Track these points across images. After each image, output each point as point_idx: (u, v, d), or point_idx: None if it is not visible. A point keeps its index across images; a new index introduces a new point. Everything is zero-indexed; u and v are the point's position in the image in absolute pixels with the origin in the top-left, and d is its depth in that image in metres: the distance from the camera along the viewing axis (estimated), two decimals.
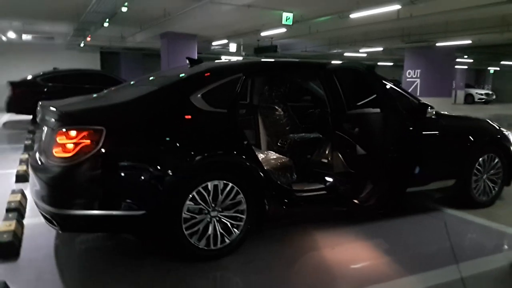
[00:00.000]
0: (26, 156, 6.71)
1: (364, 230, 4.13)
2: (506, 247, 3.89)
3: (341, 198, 4.04)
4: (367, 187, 3.94)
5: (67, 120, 3.13)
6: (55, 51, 22.53)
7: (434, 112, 4.43)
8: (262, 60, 4.78)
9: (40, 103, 3.70)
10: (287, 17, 12.59)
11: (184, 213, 3.21)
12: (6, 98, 11.95)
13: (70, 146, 2.99)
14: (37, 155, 3.49)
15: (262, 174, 3.57)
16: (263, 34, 16.47)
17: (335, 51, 22.44)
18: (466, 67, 30.80)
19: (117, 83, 7.79)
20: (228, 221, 3.42)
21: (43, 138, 3.51)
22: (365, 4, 11.14)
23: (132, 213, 3.11)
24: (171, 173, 3.16)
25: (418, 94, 18.48)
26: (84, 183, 3.03)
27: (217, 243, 3.37)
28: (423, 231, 4.24)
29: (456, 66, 26.13)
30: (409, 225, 4.39)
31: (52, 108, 3.33)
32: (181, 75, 3.93)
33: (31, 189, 3.50)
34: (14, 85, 11.98)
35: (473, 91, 31.13)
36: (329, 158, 4.35)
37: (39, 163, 3.32)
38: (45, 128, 3.51)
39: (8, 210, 4.14)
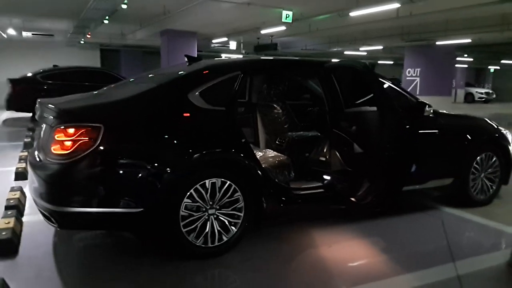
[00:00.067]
0: (25, 153, 6.72)
1: (361, 228, 4.14)
2: (503, 245, 3.90)
3: (339, 196, 4.06)
4: (364, 185, 3.95)
5: (65, 118, 3.14)
6: (55, 48, 22.55)
7: (432, 111, 4.45)
8: (260, 58, 4.79)
9: (39, 100, 3.71)
10: (286, 15, 12.60)
11: (182, 210, 3.23)
12: (6, 95, 11.96)
13: (68, 143, 3.00)
14: (36, 152, 3.50)
15: (259, 172, 3.58)
16: (263, 32, 16.49)
17: (335, 49, 22.44)
18: (466, 66, 30.78)
19: (117, 81, 7.77)
20: (225, 219, 3.44)
21: (42, 136, 3.52)
22: (365, 2, 11.16)
23: (130, 210, 3.12)
24: (168, 171, 3.17)
25: (417, 92, 18.52)
26: (82, 180, 3.04)
27: (215, 241, 3.39)
28: (420, 230, 4.25)
29: (456, 65, 26.12)
30: (406, 223, 4.41)
31: (50, 106, 3.34)
32: (179, 73, 3.93)
33: (29, 186, 3.51)
34: (14, 82, 11.98)
35: (473, 90, 31.11)
36: (327, 156, 4.37)
37: (38, 160, 3.33)
38: (43, 126, 3.52)
39: (7, 208, 4.15)
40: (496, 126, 5.12)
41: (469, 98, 30.32)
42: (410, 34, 16.85)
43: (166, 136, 3.29)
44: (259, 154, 4.40)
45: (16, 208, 4.18)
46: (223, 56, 24.08)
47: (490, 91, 31.33)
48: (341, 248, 3.75)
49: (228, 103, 3.61)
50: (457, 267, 3.35)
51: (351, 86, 4.20)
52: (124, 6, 12.15)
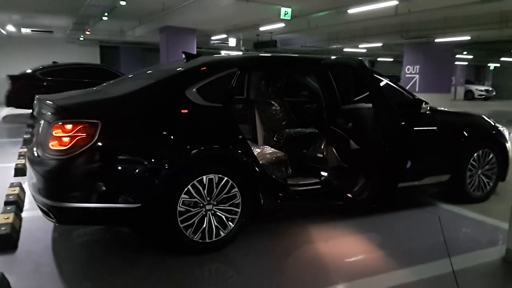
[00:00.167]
0: (25, 150, 6.73)
1: (358, 224, 4.17)
2: (499, 241, 3.92)
3: (335, 192, 4.09)
4: (360, 181, 3.97)
5: (63, 114, 3.16)
6: (55, 45, 22.55)
7: (428, 108, 4.47)
8: (258, 55, 4.80)
9: (37, 96, 3.73)
10: (285, 11, 12.59)
11: (180, 206, 3.25)
12: (6, 92, 11.98)
13: (66, 139, 3.02)
14: (34, 148, 3.52)
15: (257, 169, 3.61)
16: (262, 29, 16.47)
17: (334, 46, 22.41)
18: (466, 63, 30.77)
19: (117, 77, 7.80)
20: (223, 215, 3.46)
21: (40, 132, 3.54)
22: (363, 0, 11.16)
23: (127, 206, 3.14)
24: (166, 167, 3.20)
25: (417, 90, 18.50)
26: (80, 176, 3.06)
27: (212, 236, 3.42)
28: (417, 226, 4.28)
29: (456, 62, 26.15)
30: (403, 219, 4.44)
31: (48, 102, 3.36)
32: (176, 70, 3.95)
33: (28, 182, 3.53)
34: (13, 79, 11.99)
35: (473, 87, 31.12)
36: (324, 153, 4.39)
37: (36, 156, 3.35)
38: (41, 122, 3.54)
39: (6, 203, 4.18)
40: (493, 123, 5.14)
41: (469, 96, 30.33)
42: (409, 32, 16.83)
43: (163, 132, 3.31)
44: (257, 150, 4.42)
45: (16, 203, 4.21)
46: (223, 53, 24.07)
47: (490, 89, 31.33)
48: (337, 244, 3.78)
49: (225, 100, 3.63)
50: (453, 262, 3.37)
51: (348, 83, 4.21)
52: (122, 3, 12.14)
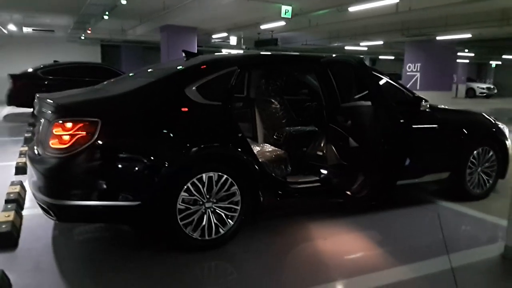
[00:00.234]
0: (26, 148, 6.75)
1: (358, 221, 4.18)
2: (498, 238, 3.92)
3: (334, 190, 4.10)
4: (359, 179, 3.98)
5: (63, 112, 3.17)
6: (56, 44, 22.58)
7: (428, 106, 4.48)
8: (257, 53, 4.81)
9: (37, 95, 3.75)
10: (286, 10, 12.58)
11: (179, 204, 3.27)
12: (7, 91, 12.00)
13: (66, 137, 3.03)
14: (35, 146, 3.54)
15: (256, 166, 3.62)
16: (263, 27, 16.46)
17: (335, 44, 22.40)
18: (467, 61, 30.70)
19: (118, 76, 7.82)
20: (222, 212, 3.48)
21: (40, 130, 3.56)
22: None
23: (127, 203, 3.16)
24: (165, 165, 3.21)
25: (418, 88, 18.50)
26: (80, 174, 3.08)
27: (212, 234, 3.43)
28: (416, 223, 4.29)
29: (458, 60, 26.06)
30: (403, 216, 4.45)
31: (48, 100, 3.38)
32: (176, 68, 3.96)
33: (29, 180, 3.55)
34: (14, 78, 12.01)
35: (475, 85, 31.03)
36: (324, 151, 4.40)
37: (36, 154, 3.37)
38: (42, 120, 3.56)
39: (7, 201, 4.20)
40: (493, 121, 5.15)
41: (471, 93, 30.26)
42: (410, 29, 16.82)
43: (163, 131, 3.32)
44: (256, 148, 4.43)
45: (16, 201, 4.23)
46: (224, 51, 24.07)
47: (492, 86, 31.24)
48: (337, 241, 3.79)
49: (225, 98, 3.64)
50: (452, 259, 3.39)
51: (347, 81, 4.22)
52: (123, 2, 12.16)
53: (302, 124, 5.17)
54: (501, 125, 5.13)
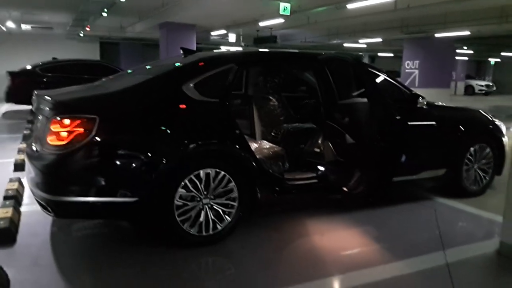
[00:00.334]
0: (24, 145, 6.77)
1: (354, 217, 4.21)
2: (494, 234, 3.95)
3: (332, 186, 4.12)
4: (355, 175, 4.01)
5: (61, 109, 3.19)
6: (55, 41, 22.53)
7: (425, 103, 4.49)
8: (255, 50, 4.83)
9: (36, 92, 3.76)
10: (284, 7, 12.57)
11: (176, 200, 3.29)
12: (5, 88, 11.98)
13: (64, 134, 3.05)
14: (33, 143, 3.56)
15: (253, 163, 3.64)
16: (261, 24, 16.45)
17: (334, 41, 22.38)
18: (466, 58, 30.68)
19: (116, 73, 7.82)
20: (220, 208, 3.49)
21: (39, 127, 3.57)
22: None
23: (125, 200, 3.18)
24: (163, 161, 3.23)
25: (416, 85, 18.50)
26: (78, 170, 3.10)
27: (209, 230, 3.45)
28: (413, 219, 4.32)
29: (457, 58, 26.05)
30: (399, 213, 4.47)
31: (46, 97, 3.39)
32: (174, 65, 3.98)
33: (27, 176, 3.56)
34: (13, 75, 11.99)
35: (474, 82, 31.03)
36: (321, 148, 4.42)
37: (34, 151, 3.39)
38: (40, 117, 3.57)
39: (6, 198, 4.22)
40: (490, 118, 5.17)
41: (469, 91, 30.25)
42: (409, 27, 16.81)
43: (160, 127, 3.34)
44: (254, 145, 4.45)
45: (14, 198, 4.24)
46: (223, 48, 24.05)
47: (490, 84, 31.25)
48: (333, 237, 3.81)
49: (222, 95, 3.66)
50: (447, 255, 3.41)
51: (345, 78, 4.24)
52: None
53: (300, 121, 5.19)
54: (497, 122, 5.15)
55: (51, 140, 3.10)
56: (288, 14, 12.91)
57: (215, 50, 4.77)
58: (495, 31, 16.87)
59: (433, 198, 4.90)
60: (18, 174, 5.32)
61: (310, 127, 4.94)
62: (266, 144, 4.66)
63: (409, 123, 4.37)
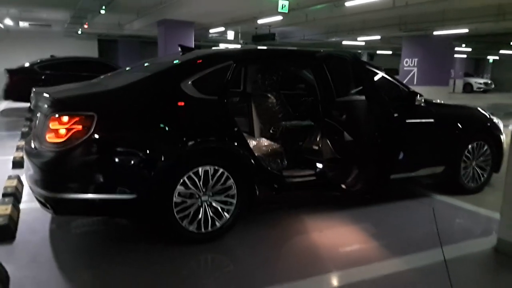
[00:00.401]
0: (23, 143, 6.75)
1: (353, 215, 4.22)
2: (492, 231, 3.97)
3: (330, 184, 4.13)
4: (353, 172, 4.02)
5: (59, 106, 3.19)
6: (53, 38, 22.52)
7: (423, 100, 4.50)
8: (253, 48, 4.83)
9: (34, 89, 3.76)
10: (282, 4, 12.56)
11: (175, 197, 3.30)
12: (4, 85, 11.95)
13: (62, 131, 3.05)
14: (31, 140, 3.56)
15: (252, 160, 3.65)
16: (260, 21, 16.42)
17: (333, 39, 22.37)
18: (465, 56, 30.71)
19: (114, 71, 7.81)
20: (218, 206, 3.51)
21: (37, 124, 3.58)
22: None
23: (123, 196, 3.19)
24: (162, 159, 3.24)
25: (415, 83, 18.49)
26: (76, 167, 3.10)
27: (208, 227, 3.46)
28: (411, 216, 4.34)
29: (456, 55, 26.06)
30: (397, 210, 4.49)
31: (45, 95, 3.40)
32: (172, 63, 3.98)
33: (26, 174, 3.57)
34: (11, 72, 11.97)
35: (472, 80, 31.07)
36: (320, 145, 4.43)
37: (33, 148, 3.39)
38: (38, 114, 3.57)
39: (5, 195, 4.22)
40: (488, 115, 5.18)
41: (468, 88, 30.28)
42: (407, 24, 16.78)
43: (159, 125, 3.34)
44: (253, 142, 4.46)
45: (13, 195, 4.24)
46: (221, 46, 24.03)
47: (489, 81, 31.29)
48: (332, 234, 3.82)
49: (220, 93, 3.66)
50: (445, 252, 3.43)
51: (343, 76, 4.25)
52: None
53: (298, 119, 5.19)
54: (495, 120, 5.17)
55: (50, 137, 3.10)
56: (287, 11, 12.90)
57: (213, 47, 4.77)
58: (492, 28, 16.88)
59: (431, 195, 4.92)
60: (17, 171, 5.32)
61: (308, 125, 4.95)
62: (265, 142, 4.66)
63: (407, 120, 4.39)
